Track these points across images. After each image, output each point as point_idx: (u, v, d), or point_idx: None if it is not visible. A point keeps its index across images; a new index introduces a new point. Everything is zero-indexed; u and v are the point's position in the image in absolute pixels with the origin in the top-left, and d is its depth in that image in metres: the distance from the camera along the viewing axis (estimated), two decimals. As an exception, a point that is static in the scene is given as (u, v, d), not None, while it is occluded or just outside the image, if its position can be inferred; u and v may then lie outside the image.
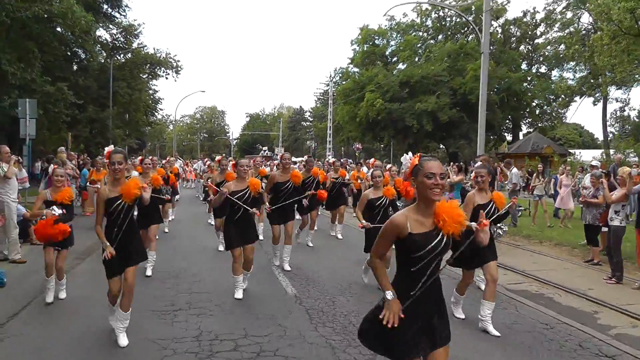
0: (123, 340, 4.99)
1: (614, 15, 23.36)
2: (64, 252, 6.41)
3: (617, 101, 30.65)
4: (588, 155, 28.55)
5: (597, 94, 28.44)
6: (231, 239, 6.55)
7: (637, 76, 24.10)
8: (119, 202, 4.94)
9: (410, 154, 3.52)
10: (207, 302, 6.38)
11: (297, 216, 10.07)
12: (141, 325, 5.43)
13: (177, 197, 14.82)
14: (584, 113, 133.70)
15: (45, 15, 20.15)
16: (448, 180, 11.36)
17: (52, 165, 11.66)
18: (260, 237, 9.93)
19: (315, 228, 10.99)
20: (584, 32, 28.60)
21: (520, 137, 44.08)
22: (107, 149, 5.21)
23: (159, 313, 5.93)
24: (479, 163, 9.04)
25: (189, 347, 4.92)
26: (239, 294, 6.59)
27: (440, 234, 3.00)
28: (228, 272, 6.97)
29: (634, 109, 71.79)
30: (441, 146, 47.40)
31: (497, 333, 5.42)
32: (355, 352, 4.82)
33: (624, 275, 8.16)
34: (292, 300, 6.65)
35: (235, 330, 5.40)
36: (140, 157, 10.41)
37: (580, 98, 29.44)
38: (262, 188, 6.99)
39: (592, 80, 29.59)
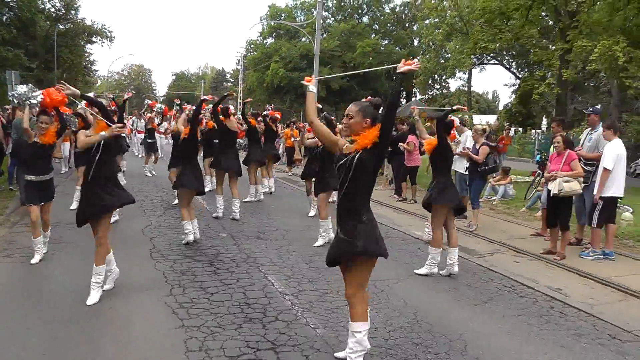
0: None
1: (447, 20, 32.34)
2: (49, 204, 6.39)
3: (460, 79, 39.99)
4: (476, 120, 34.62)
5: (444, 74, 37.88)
6: None
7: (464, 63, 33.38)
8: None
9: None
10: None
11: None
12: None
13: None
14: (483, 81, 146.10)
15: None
16: None
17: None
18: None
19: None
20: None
21: (415, 105, 52.37)
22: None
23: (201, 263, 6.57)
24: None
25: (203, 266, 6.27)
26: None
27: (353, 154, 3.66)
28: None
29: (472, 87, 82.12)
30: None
31: (457, 270, 6.09)
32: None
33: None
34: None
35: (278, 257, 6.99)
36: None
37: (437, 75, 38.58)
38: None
39: (442, 62, 38.94)
